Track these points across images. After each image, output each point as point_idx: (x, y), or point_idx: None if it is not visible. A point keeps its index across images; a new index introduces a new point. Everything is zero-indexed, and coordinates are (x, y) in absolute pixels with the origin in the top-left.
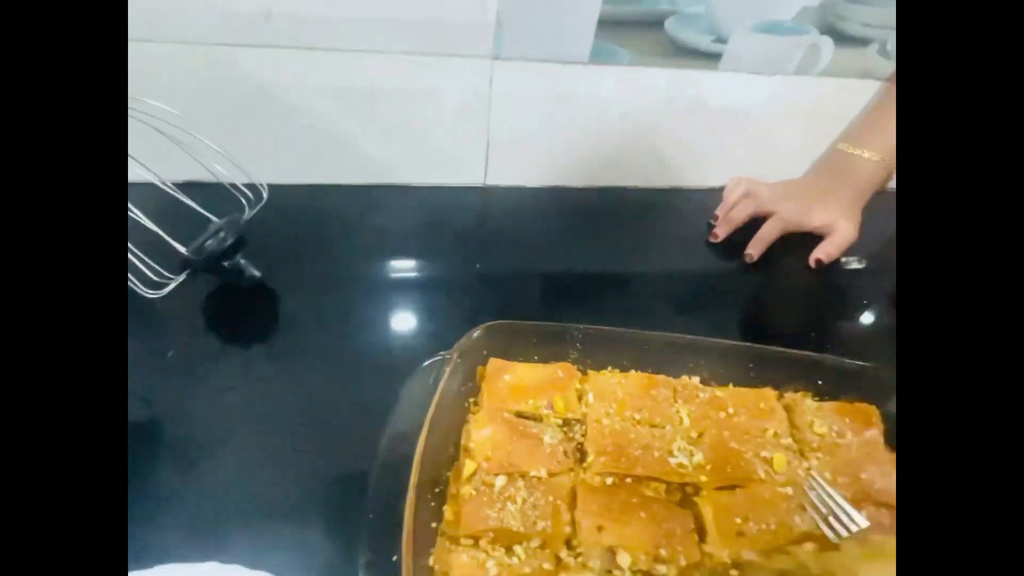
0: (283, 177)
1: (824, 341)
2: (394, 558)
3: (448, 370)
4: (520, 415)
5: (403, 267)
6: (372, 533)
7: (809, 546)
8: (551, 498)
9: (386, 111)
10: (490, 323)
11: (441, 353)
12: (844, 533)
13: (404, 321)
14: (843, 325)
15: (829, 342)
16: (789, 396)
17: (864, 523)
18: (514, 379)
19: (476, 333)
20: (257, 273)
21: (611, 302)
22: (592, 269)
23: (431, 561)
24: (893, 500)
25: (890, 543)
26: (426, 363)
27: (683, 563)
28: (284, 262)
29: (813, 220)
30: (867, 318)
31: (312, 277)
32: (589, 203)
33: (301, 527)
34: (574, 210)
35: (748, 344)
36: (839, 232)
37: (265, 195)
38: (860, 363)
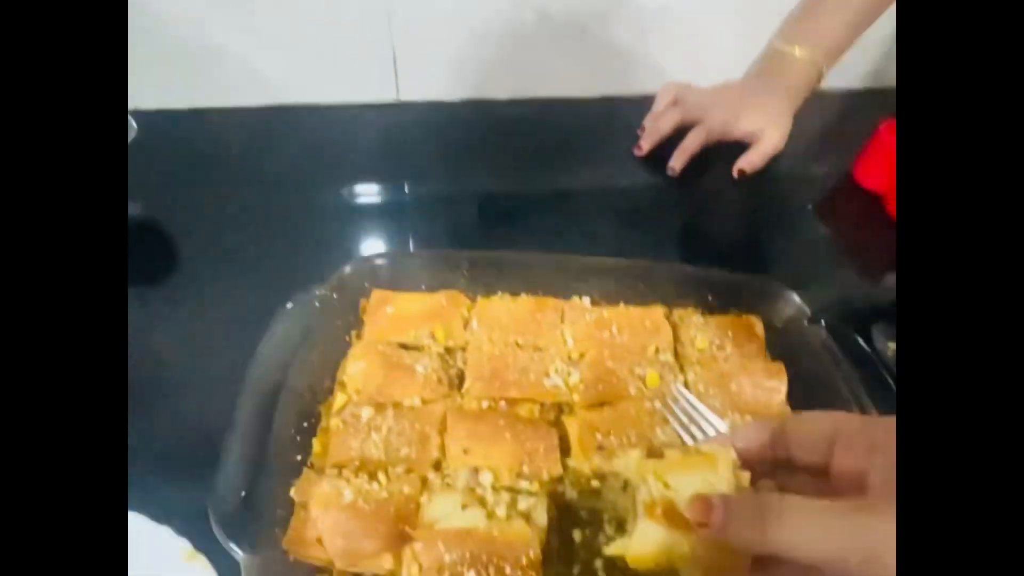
0: (161, 102)
1: (739, 256)
2: (243, 493)
3: (320, 305)
4: (403, 346)
5: (311, 195)
6: (237, 468)
7: (635, 452)
8: (418, 425)
9: (270, 22)
10: (365, 256)
11: (315, 287)
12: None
13: (317, 251)
14: (761, 239)
15: (744, 256)
16: (678, 313)
17: (724, 427)
18: (397, 310)
19: (349, 267)
20: (136, 213)
21: (537, 222)
22: (518, 189)
23: (292, 492)
24: (760, 408)
25: (721, 452)
26: (289, 305)
27: (546, 477)
28: (173, 196)
29: (739, 128)
30: (785, 231)
31: (206, 211)
32: (513, 117)
33: (187, 469)
34: (497, 125)
35: (637, 261)
36: (765, 141)
37: (134, 127)
38: (746, 275)
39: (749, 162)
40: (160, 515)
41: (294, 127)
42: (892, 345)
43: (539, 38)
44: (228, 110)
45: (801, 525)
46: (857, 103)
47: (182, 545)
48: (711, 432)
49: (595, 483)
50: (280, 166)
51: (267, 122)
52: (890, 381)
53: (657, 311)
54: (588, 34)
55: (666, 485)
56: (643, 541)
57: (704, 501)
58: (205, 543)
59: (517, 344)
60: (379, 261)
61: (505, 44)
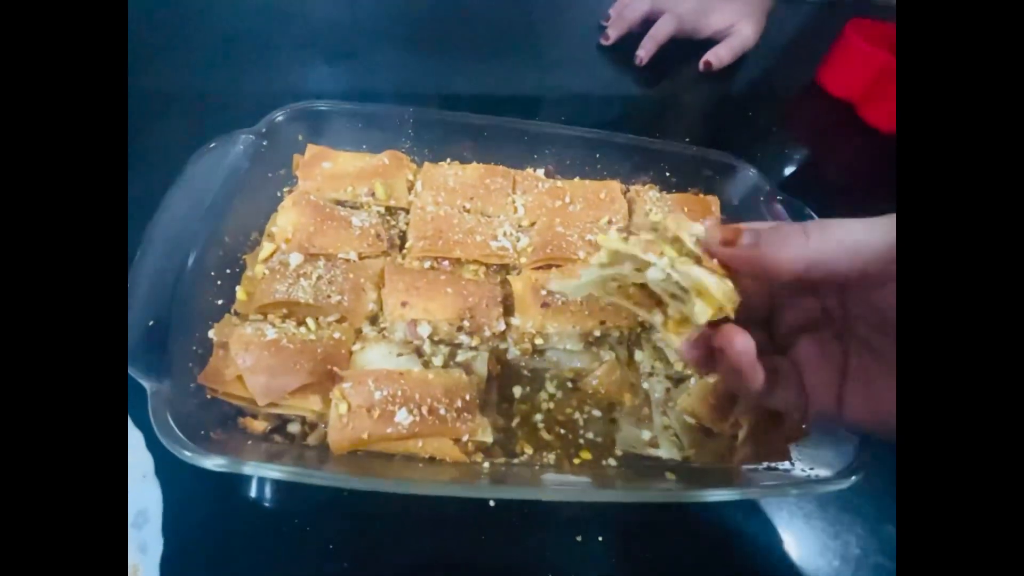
0: None
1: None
2: (150, 323)
3: (246, 149)
4: (338, 203)
5: (251, 56)
6: (144, 300)
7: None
8: (352, 276)
9: None
10: (300, 103)
11: (239, 131)
12: None
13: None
14: (725, 136)
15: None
16: (635, 188)
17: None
18: (335, 167)
19: (281, 114)
20: None
21: (496, 111)
22: (478, 76)
23: (211, 333)
24: None
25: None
26: (212, 144)
27: (487, 334)
28: None
29: (711, 21)
30: (750, 132)
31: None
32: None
33: None
34: (457, 6)
35: (595, 131)
36: (736, 35)
37: None
38: (705, 148)
39: (717, 56)
40: None
41: None
42: None
43: None
44: None
45: (834, 233)
46: (826, 14)
47: None
48: None
49: (539, 341)
50: (214, 25)
51: None
52: None
53: (614, 185)
54: None
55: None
56: (711, 292)
57: (733, 228)
58: None
59: (464, 208)
60: (317, 110)
61: None
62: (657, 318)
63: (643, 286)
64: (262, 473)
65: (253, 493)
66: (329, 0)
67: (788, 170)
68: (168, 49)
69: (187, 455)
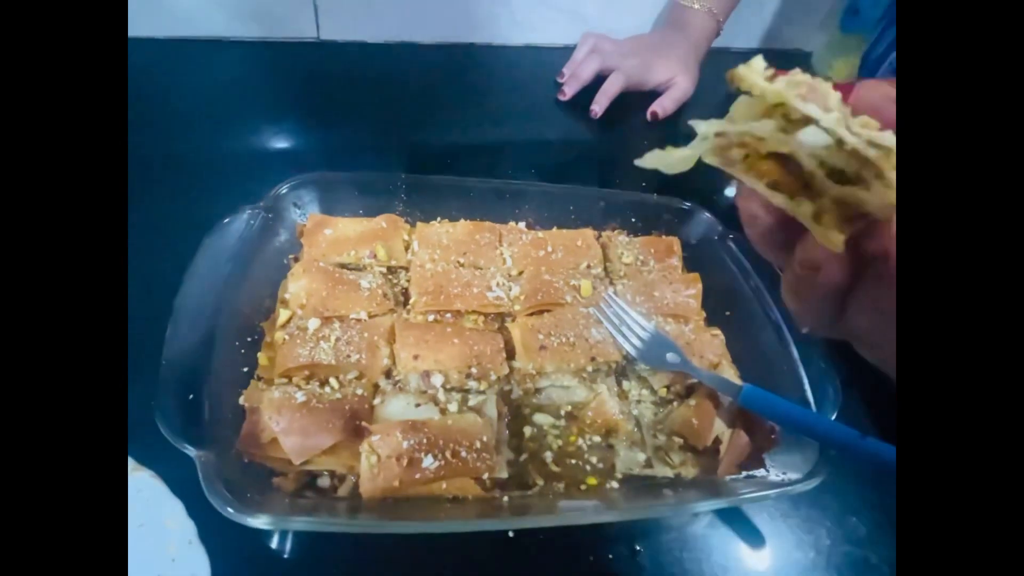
0: None
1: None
2: (190, 396)
3: (255, 223)
4: (342, 267)
5: (222, 134)
6: (180, 375)
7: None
8: (367, 334)
9: None
10: (300, 176)
11: (246, 207)
12: (633, 338)
13: (228, 189)
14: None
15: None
16: (606, 235)
17: (650, 327)
18: (336, 233)
19: (285, 187)
20: None
21: (462, 166)
22: (445, 137)
23: (241, 400)
24: (679, 311)
25: None
26: (227, 219)
27: (493, 378)
28: None
29: (654, 76)
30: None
31: None
32: (438, 61)
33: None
34: (422, 69)
35: (569, 186)
36: (676, 87)
37: None
38: (666, 197)
39: (662, 106)
40: None
41: (204, 60)
42: None
43: None
44: (135, 40)
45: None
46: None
47: None
48: (640, 332)
49: (539, 381)
50: (189, 102)
51: (173, 56)
52: None
53: (588, 233)
54: None
55: None
56: None
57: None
58: (147, 456)
59: (459, 263)
60: (316, 182)
61: None
62: (805, 208)
63: (784, 159)
64: (311, 528)
65: (294, 549)
66: (303, 71)
67: (725, 201)
68: (143, 124)
69: (245, 519)
